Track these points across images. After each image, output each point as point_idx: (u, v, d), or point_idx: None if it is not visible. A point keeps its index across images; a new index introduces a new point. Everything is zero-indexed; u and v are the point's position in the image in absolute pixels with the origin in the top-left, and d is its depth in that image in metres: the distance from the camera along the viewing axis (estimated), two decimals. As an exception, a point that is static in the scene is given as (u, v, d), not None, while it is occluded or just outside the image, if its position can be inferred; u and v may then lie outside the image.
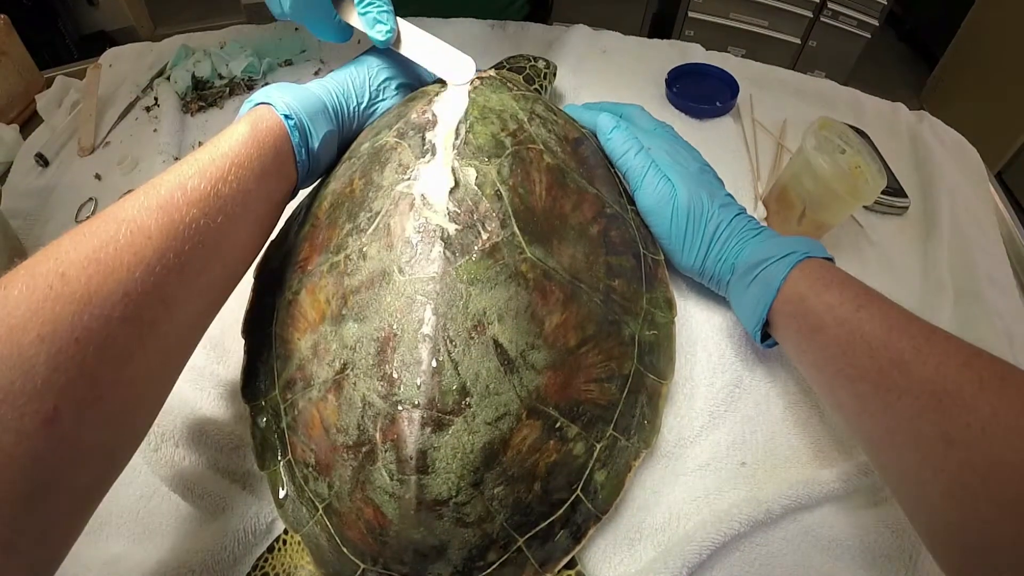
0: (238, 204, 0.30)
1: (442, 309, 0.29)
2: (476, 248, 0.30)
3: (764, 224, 0.49)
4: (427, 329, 0.28)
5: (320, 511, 0.31)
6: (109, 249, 0.23)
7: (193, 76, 0.59)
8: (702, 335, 0.42)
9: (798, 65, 1.67)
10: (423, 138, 0.34)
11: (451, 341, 0.29)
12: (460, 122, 0.34)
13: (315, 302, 0.33)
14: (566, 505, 0.31)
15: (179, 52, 0.62)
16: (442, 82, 0.39)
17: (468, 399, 0.28)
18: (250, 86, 0.60)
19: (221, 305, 0.32)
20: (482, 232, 0.31)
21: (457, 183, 0.32)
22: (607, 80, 0.62)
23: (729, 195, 0.42)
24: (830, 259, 0.36)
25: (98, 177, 0.53)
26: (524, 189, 0.33)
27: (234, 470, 0.37)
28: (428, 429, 0.28)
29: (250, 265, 0.35)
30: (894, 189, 0.52)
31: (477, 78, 0.38)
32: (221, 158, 0.30)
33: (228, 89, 0.59)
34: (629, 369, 0.35)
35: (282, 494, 0.33)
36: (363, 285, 0.31)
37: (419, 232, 0.31)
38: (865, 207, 0.51)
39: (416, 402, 0.28)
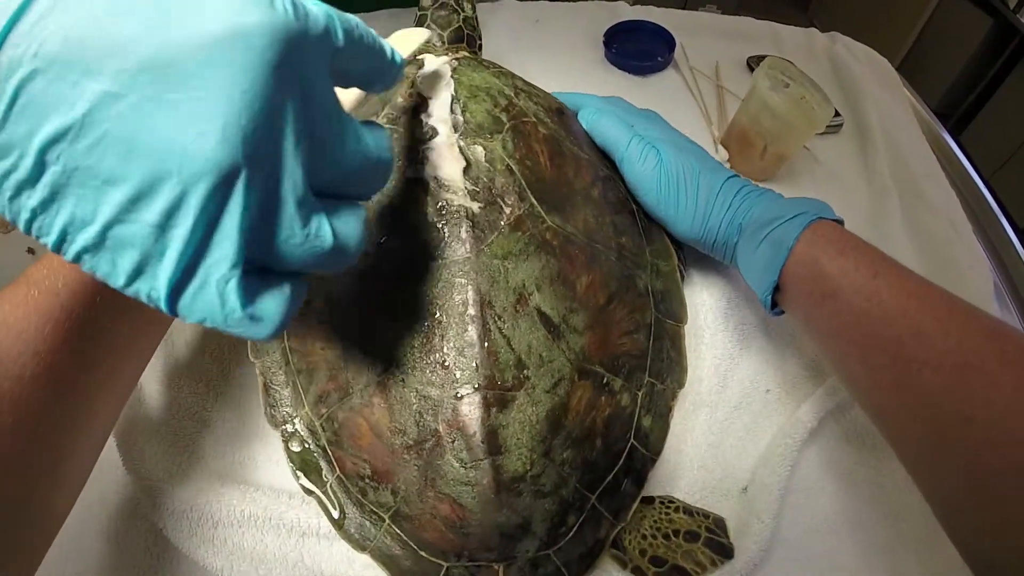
0: None
1: (484, 287, 0.29)
2: (502, 223, 0.30)
3: (728, 166, 0.52)
4: (473, 310, 0.28)
5: (387, 521, 0.30)
6: (19, 312, 0.25)
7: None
8: (706, 283, 0.44)
9: (689, 2, 1.75)
10: (420, 121, 0.33)
11: (499, 318, 0.28)
12: (453, 102, 0.33)
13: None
14: (624, 454, 0.33)
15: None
16: (415, 64, 0.38)
17: (525, 371, 0.29)
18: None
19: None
20: (504, 207, 0.31)
21: (469, 162, 0.31)
22: (547, 50, 0.62)
23: (719, 163, 0.41)
24: (840, 221, 0.34)
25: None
26: (531, 161, 0.33)
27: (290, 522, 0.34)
28: (494, 409, 0.28)
29: None
30: (829, 110, 0.57)
31: (453, 59, 0.37)
32: None
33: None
34: (650, 318, 0.36)
35: (337, 515, 0.31)
36: (391, 278, 0.30)
37: (441, 215, 0.30)
38: (807, 130, 0.55)
39: (476, 384, 0.28)
